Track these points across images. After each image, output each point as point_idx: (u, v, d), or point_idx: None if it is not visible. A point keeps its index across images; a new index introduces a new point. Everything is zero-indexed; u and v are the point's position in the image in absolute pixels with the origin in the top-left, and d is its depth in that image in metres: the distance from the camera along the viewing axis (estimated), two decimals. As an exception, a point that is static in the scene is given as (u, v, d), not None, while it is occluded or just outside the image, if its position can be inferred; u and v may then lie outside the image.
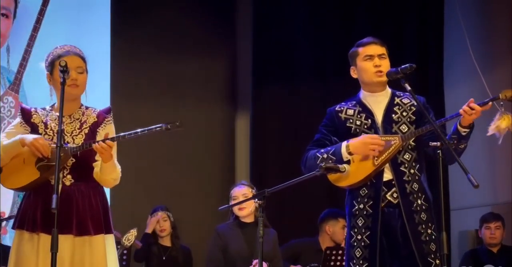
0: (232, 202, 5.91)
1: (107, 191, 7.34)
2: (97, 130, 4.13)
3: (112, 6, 7.58)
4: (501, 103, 4.07)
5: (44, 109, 4.19)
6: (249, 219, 6.06)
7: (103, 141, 3.95)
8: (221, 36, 8.15)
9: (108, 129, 4.15)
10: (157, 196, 7.50)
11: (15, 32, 7.16)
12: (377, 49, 4.37)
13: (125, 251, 6.19)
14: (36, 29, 7.16)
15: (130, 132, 3.98)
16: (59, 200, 3.87)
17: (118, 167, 4.13)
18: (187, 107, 7.82)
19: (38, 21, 7.20)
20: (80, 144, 4.03)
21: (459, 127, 4.14)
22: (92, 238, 4.05)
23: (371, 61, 4.35)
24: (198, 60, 7.82)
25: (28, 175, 4.02)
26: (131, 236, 6.15)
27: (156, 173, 7.66)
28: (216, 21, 8.12)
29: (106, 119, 4.17)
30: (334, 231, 6.74)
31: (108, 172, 4.08)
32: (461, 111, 4.09)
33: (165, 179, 7.70)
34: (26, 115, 4.15)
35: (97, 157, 4.08)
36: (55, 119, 4.10)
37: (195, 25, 7.99)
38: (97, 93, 7.19)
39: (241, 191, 6.02)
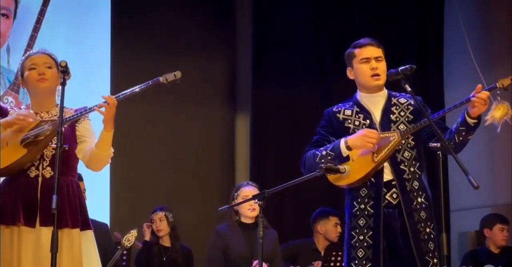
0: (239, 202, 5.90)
1: (106, 191, 7.40)
2: (76, 125, 4.13)
3: (113, 6, 7.58)
4: (498, 92, 4.07)
5: (20, 109, 4.19)
6: (250, 220, 6.06)
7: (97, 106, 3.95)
8: (221, 36, 8.15)
9: (86, 123, 4.15)
10: (157, 196, 7.50)
11: (15, 32, 7.16)
12: (373, 51, 4.35)
13: (125, 252, 6.19)
14: (36, 29, 7.15)
15: (126, 91, 3.98)
16: (39, 193, 3.91)
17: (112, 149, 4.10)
18: (187, 107, 7.82)
19: (39, 21, 7.19)
20: (74, 114, 4.02)
21: (468, 118, 4.09)
22: (71, 231, 4.01)
23: (368, 64, 4.34)
24: (198, 60, 7.82)
25: (13, 154, 3.96)
26: (131, 237, 6.14)
27: (156, 173, 7.65)
28: (216, 21, 8.12)
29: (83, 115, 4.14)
30: (327, 230, 6.81)
31: (107, 145, 4.02)
32: (475, 103, 4.02)
33: (165, 180, 7.70)
34: (2, 111, 4.15)
35: (82, 142, 4.09)
36: (33, 115, 4.08)
37: (195, 25, 7.99)
38: (97, 93, 7.22)
39: (252, 191, 5.97)
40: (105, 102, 3.96)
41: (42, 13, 7.20)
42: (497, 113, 4.06)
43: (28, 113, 4.00)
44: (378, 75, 4.32)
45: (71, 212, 4.01)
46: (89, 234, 4.11)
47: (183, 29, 7.94)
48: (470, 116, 4.09)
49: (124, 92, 3.99)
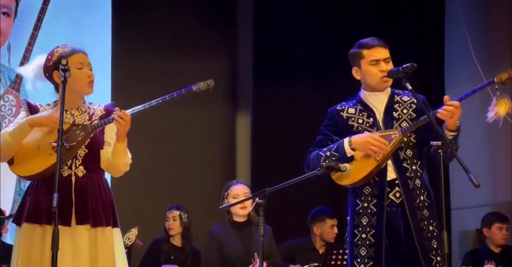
0: (231, 200, 5.91)
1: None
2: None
3: (113, 5, 7.59)
4: (496, 87, 4.06)
5: (48, 105, 4.18)
6: (242, 218, 6.06)
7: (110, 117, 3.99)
8: (222, 36, 8.16)
9: (114, 126, 4.14)
10: (157, 195, 7.51)
11: (16, 30, 7.17)
12: (382, 53, 4.33)
13: (125, 250, 6.19)
14: (37, 27, 7.17)
15: (158, 98, 4.01)
16: (73, 192, 3.93)
17: (129, 154, 4.13)
18: (187, 107, 7.82)
19: (39, 19, 7.21)
20: (101, 121, 4.04)
21: (446, 131, 4.10)
22: (104, 230, 4.03)
23: (377, 66, 4.32)
24: (199, 60, 7.82)
25: (46, 160, 3.96)
26: (132, 235, 6.15)
27: (156, 172, 7.66)
28: (216, 21, 8.12)
29: (113, 113, 4.13)
30: (322, 232, 6.85)
31: (122, 155, 4.06)
32: (439, 115, 4.04)
33: (166, 179, 7.70)
34: (32, 108, 4.13)
35: (107, 145, 4.10)
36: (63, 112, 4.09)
37: (196, 24, 8.00)
38: (97, 93, 7.23)
39: (242, 189, 6.02)
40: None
41: (42, 11, 7.21)
42: (500, 109, 4.06)
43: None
44: (387, 77, 4.32)
45: (104, 211, 4.04)
46: (118, 232, 4.14)
47: (183, 29, 7.94)
48: (447, 129, 4.09)
49: (157, 99, 4.03)
